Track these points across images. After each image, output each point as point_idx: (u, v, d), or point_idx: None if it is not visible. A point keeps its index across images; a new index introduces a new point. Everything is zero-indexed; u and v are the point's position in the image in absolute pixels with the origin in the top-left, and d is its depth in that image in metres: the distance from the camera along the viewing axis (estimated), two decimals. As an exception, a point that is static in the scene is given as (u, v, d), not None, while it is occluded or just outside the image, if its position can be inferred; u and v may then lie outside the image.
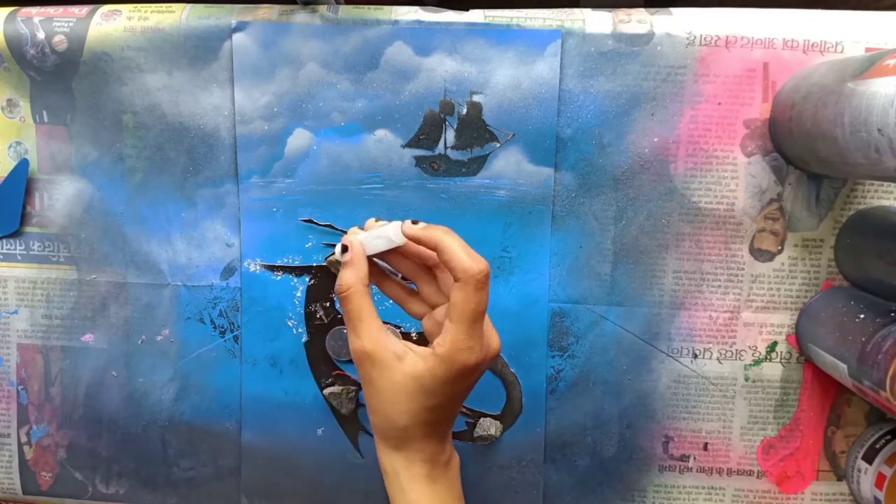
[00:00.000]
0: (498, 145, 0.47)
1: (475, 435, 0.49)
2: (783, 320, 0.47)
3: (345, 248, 0.38)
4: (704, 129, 0.46)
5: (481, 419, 0.49)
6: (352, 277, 0.37)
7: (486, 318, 0.38)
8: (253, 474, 0.51)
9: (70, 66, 0.48)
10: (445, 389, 0.36)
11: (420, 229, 0.38)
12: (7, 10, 0.49)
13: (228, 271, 0.49)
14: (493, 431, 0.48)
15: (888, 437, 0.46)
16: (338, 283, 0.37)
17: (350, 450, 0.50)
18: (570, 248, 0.48)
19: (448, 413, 0.39)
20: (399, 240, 0.38)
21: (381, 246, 0.39)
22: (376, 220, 0.39)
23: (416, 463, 0.39)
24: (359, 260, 0.38)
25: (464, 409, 0.49)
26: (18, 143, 0.49)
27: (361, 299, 0.37)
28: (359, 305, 0.37)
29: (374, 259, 0.39)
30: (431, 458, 0.39)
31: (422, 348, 0.37)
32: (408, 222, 0.38)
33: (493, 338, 0.38)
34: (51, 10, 0.48)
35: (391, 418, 0.37)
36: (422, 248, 0.39)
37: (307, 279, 0.49)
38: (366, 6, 0.47)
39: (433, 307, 0.40)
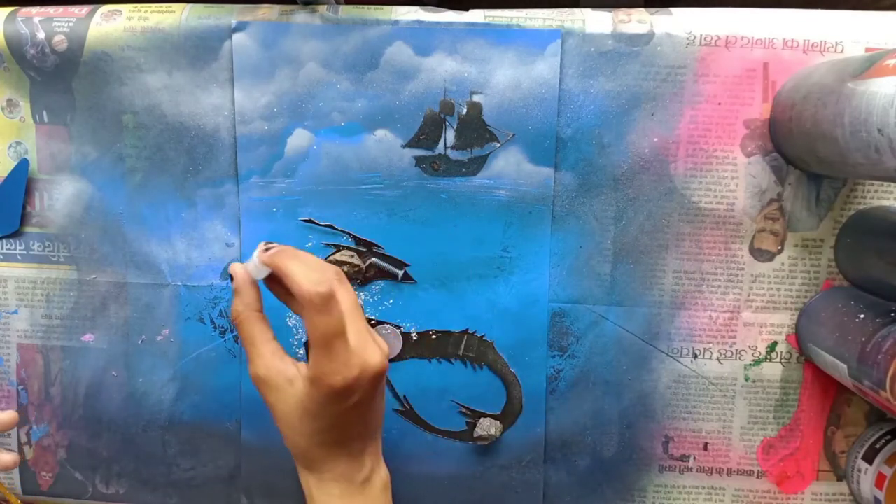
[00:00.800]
0: (498, 145, 0.47)
1: (475, 435, 0.49)
2: (783, 320, 0.47)
3: (231, 277, 0.38)
4: (704, 129, 0.46)
5: (481, 419, 0.49)
6: (240, 306, 0.38)
7: (362, 335, 0.36)
8: (253, 474, 0.51)
9: (70, 66, 0.48)
10: (328, 411, 0.36)
11: (269, 256, 0.37)
12: (7, 10, 0.49)
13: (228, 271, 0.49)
14: (493, 431, 0.48)
15: (888, 437, 0.46)
16: (231, 312, 0.38)
17: (350, 450, 0.50)
18: (570, 248, 0.48)
19: (348, 433, 0.38)
20: (261, 275, 0.38)
21: (256, 274, 0.39)
22: (265, 244, 0.38)
23: (328, 482, 0.38)
24: (243, 287, 0.38)
25: (464, 409, 0.49)
26: (18, 143, 0.49)
27: (252, 325, 0.38)
28: (250, 332, 0.38)
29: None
30: (344, 476, 0.38)
31: (301, 373, 0.37)
32: (260, 247, 0.38)
33: (371, 355, 0.36)
34: (51, 10, 0.48)
35: (292, 440, 0.37)
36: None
37: (307, 279, 0.49)
38: (366, 6, 0.47)
39: None
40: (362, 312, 0.38)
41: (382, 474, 0.41)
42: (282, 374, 0.37)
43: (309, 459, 0.38)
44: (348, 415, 0.37)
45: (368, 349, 0.36)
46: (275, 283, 0.39)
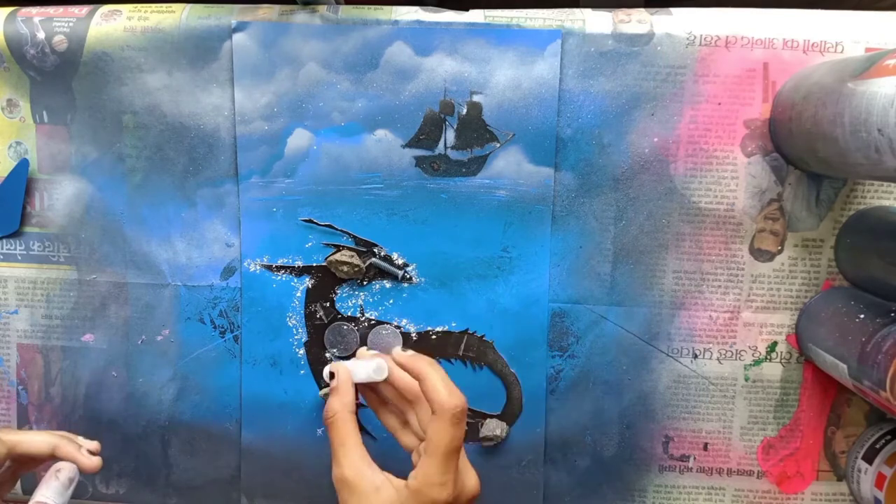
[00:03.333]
0: (498, 145, 0.47)
1: (481, 435, 0.49)
2: (783, 320, 0.47)
3: (332, 375, 0.39)
4: (704, 129, 0.46)
5: (487, 420, 0.49)
6: (337, 404, 0.39)
7: (464, 457, 0.38)
8: (253, 474, 0.51)
9: (70, 66, 0.48)
10: None
11: (408, 357, 0.39)
12: (7, 10, 0.49)
13: (228, 271, 0.49)
14: (498, 432, 0.48)
15: (888, 437, 0.46)
16: (325, 409, 0.39)
17: (350, 450, 0.50)
18: (571, 248, 0.48)
19: None
20: (380, 376, 0.40)
21: (366, 376, 0.40)
22: (367, 350, 0.41)
23: None
24: (345, 387, 0.39)
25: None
26: (18, 143, 0.49)
27: (346, 426, 0.38)
28: (343, 432, 0.38)
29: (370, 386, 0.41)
30: None
31: (398, 480, 0.38)
32: (397, 349, 0.40)
33: (470, 478, 0.39)
34: (51, 10, 0.48)
35: None
36: (406, 380, 0.40)
37: (307, 279, 0.49)
38: (366, 6, 0.47)
39: (421, 440, 0.41)
40: None
41: None
42: (369, 480, 0.37)
43: None
44: None
45: (470, 473, 0.39)
46: (368, 388, 0.41)
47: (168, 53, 0.47)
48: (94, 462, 0.42)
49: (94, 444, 0.43)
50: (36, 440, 0.42)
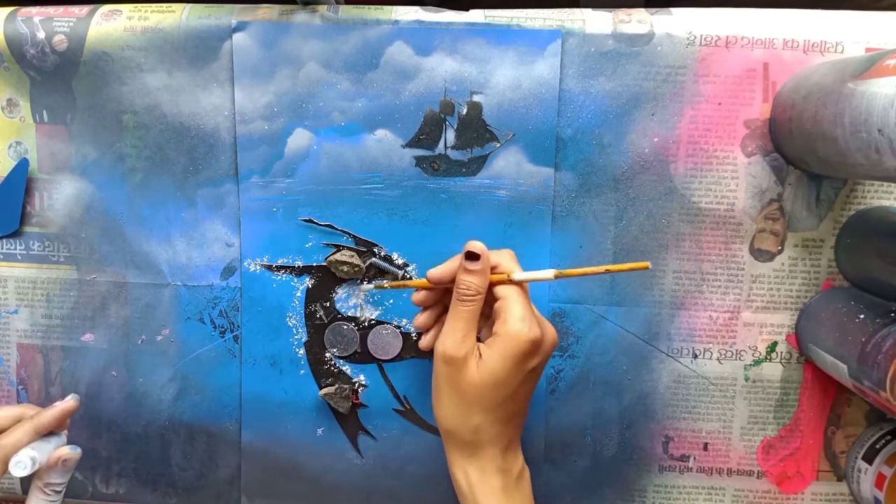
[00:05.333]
0: (498, 145, 0.47)
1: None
2: (783, 320, 0.47)
3: (475, 256, 0.40)
4: (704, 129, 0.46)
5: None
6: (482, 285, 0.40)
7: (537, 312, 0.41)
8: (253, 474, 0.51)
9: (70, 65, 0.48)
10: (513, 374, 0.39)
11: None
12: (7, 9, 0.49)
13: (228, 271, 0.49)
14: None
15: (888, 437, 0.46)
16: (467, 285, 0.40)
17: (350, 449, 0.50)
18: (571, 248, 0.48)
19: (517, 409, 0.41)
20: (19, 473, 0.40)
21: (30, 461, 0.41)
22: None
23: (490, 474, 0.39)
24: (487, 270, 0.41)
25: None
26: (18, 143, 0.49)
27: (478, 308, 0.40)
28: (475, 311, 0.40)
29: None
30: (504, 468, 0.40)
31: (483, 346, 0.40)
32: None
33: (548, 325, 0.41)
34: (51, 10, 0.48)
35: (465, 418, 0.39)
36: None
37: (307, 279, 0.49)
38: (366, 6, 0.47)
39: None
40: None
41: (528, 472, 0.42)
42: (473, 349, 0.40)
43: (475, 444, 0.39)
44: (524, 384, 0.40)
45: (546, 322, 0.41)
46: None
47: (168, 53, 0.47)
48: (68, 405, 0.44)
49: (67, 403, 0.45)
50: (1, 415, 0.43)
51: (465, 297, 0.40)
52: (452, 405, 0.39)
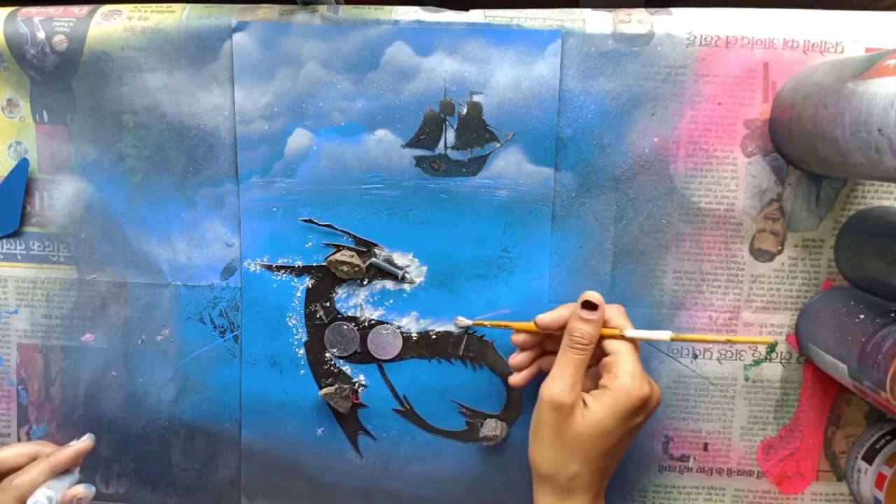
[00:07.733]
0: (498, 145, 0.47)
1: (481, 435, 0.49)
2: (783, 320, 0.47)
3: (593, 306, 0.41)
4: (704, 129, 0.46)
5: (487, 419, 0.49)
6: (595, 335, 0.41)
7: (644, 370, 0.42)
8: (253, 474, 0.51)
9: (70, 65, 0.48)
10: (618, 427, 0.39)
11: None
12: (7, 10, 0.49)
13: (228, 271, 0.49)
14: (498, 432, 0.48)
15: (888, 437, 0.46)
16: (582, 333, 0.41)
17: (350, 449, 0.50)
18: (571, 248, 0.48)
19: (612, 462, 0.42)
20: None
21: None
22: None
23: None
24: (601, 321, 0.42)
25: (464, 409, 0.49)
26: (18, 143, 0.49)
27: (588, 356, 0.41)
28: (585, 360, 0.41)
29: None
30: None
31: (590, 396, 0.40)
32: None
33: (654, 384, 0.42)
34: (51, 10, 0.48)
35: (564, 465, 0.40)
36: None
37: (307, 279, 0.49)
38: (366, 6, 0.47)
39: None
40: None
41: None
42: (579, 402, 0.40)
43: (569, 490, 0.40)
44: (624, 439, 0.41)
45: (652, 380, 0.42)
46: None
47: (168, 53, 0.47)
48: (84, 445, 0.46)
49: (83, 444, 0.46)
50: (11, 454, 0.45)
51: (577, 346, 0.41)
52: (553, 450, 0.40)
